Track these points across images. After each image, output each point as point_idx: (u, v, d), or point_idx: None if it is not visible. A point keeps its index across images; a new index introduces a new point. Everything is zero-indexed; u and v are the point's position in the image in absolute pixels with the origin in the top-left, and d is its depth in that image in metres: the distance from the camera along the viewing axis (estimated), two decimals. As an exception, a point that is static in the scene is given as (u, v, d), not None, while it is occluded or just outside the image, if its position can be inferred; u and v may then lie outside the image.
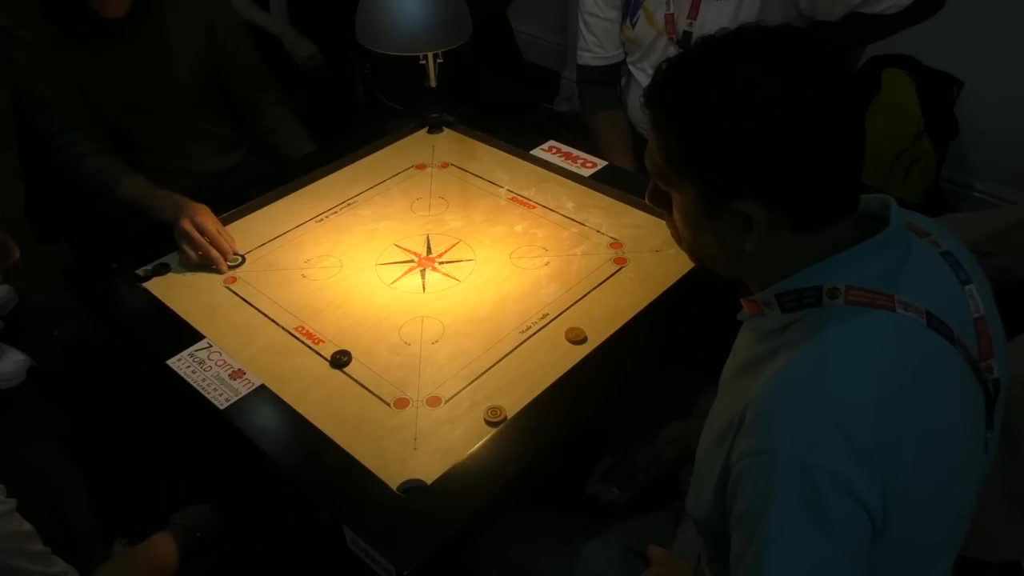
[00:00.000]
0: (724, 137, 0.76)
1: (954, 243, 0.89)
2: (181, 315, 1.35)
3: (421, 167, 1.74)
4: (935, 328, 0.79)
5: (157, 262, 1.48)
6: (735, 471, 0.77)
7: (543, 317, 1.33)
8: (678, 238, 0.91)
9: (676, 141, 0.81)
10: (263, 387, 1.21)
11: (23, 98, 1.69)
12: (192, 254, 1.45)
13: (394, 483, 1.07)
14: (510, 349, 1.28)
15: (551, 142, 1.76)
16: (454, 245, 1.51)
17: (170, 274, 1.46)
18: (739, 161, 0.77)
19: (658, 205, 0.90)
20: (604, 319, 1.32)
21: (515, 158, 1.75)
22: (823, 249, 0.80)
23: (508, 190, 1.65)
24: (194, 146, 1.88)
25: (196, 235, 1.44)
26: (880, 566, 0.77)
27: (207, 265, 1.46)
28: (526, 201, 1.62)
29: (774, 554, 0.72)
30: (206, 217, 1.47)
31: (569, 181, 1.67)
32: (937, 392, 0.79)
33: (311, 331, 1.33)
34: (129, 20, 1.62)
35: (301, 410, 1.17)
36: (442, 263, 1.47)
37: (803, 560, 0.73)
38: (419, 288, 1.42)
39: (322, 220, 1.59)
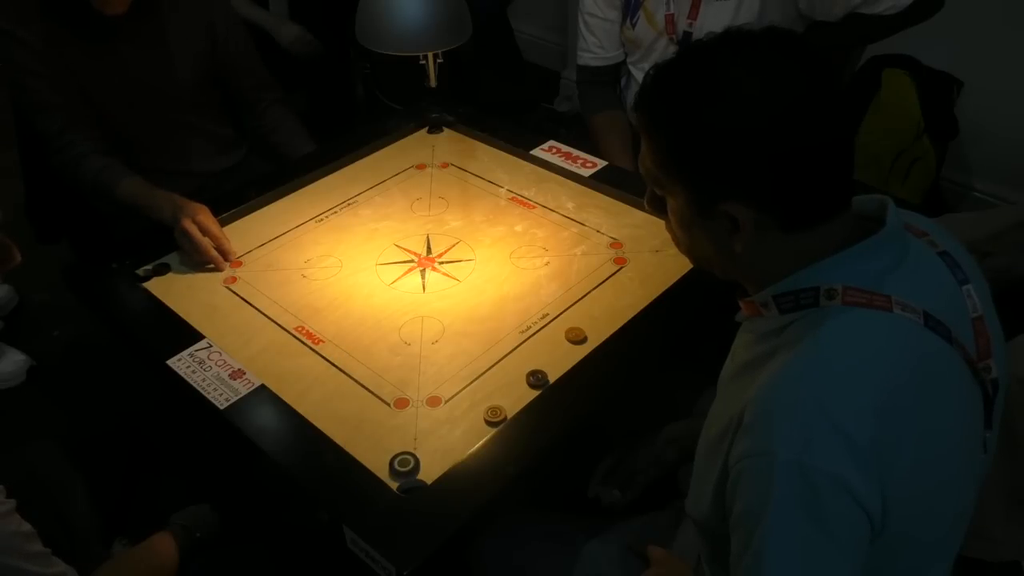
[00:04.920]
0: (709, 139, 0.77)
1: (952, 243, 0.89)
2: (181, 315, 1.35)
3: (421, 167, 1.74)
4: (932, 328, 0.79)
5: (157, 262, 1.47)
6: (734, 472, 0.77)
7: (543, 317, 1.33)
8: (676, 241, 0.91)
9: (664, 144, 0.81)
10: (263, 387, 1.21)
11: (23, 99, 1.69)
12: (193, 254, 1.45)
13: (394, 483, 1.07)
14: (510, 349, 1.28)
15: (551, 142, 1.75)
16: (454, 245, 1.52)
17: (170, 274, 1.46)
18: (724, 163, 0.77)
19: (656, 209, 0.90)
20: (604, 319, 1.32)
21: (515, 158, 1.75)
22: (820, 250, 0.80)
23: (508, 190, 1.65)
24: (194, 146, 1.88)
25: (197, 235, 1.44)
26: (880, 566, 0.78)
27: (208, 264, 1.46)
28: (526, 201, 1.62)
29: (773, 555, 0.73)
30: (207, 217, 1.47)
31: (569, 181, 1.67)
32: (935, 392, 0.79)
33: (311, 331, 1.33)
34: (129, 18, 1.61)
35: (301, 410, 1.17)
36: (442, 263, 1.48)
37: (801, 561, 0.73)
38: (419, 288, 1.42)
39: (322, 220, 1.59)
